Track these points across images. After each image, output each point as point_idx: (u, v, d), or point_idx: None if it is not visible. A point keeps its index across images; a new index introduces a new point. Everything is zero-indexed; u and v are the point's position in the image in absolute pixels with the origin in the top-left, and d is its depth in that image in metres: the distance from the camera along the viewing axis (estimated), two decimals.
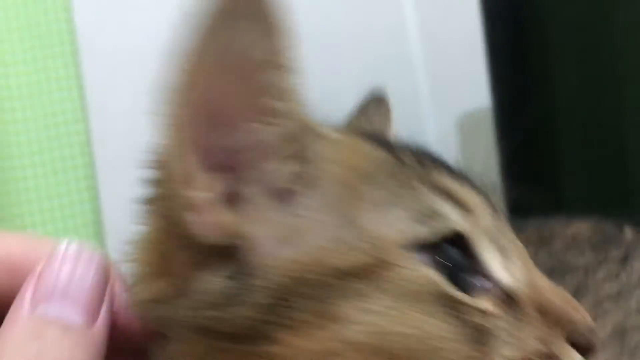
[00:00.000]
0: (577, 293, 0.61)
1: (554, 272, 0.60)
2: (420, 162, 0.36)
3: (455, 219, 0.34)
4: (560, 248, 0.64)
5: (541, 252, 0.64)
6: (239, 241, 0.32)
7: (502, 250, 0.35)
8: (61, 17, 1.11)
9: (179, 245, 0.33)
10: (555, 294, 0.36)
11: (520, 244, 0.37)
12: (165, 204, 0.34)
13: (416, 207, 0.34)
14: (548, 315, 0.35)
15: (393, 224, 0.33)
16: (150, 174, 0.35)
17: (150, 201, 0.36)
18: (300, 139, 0.34)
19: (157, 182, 0.35)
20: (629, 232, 0.70)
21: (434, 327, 0.32)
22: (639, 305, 0.63)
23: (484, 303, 0.33)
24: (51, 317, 0.33)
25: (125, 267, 0.37)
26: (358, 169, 0.34)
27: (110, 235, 1.06)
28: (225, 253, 0.32)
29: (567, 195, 1.18)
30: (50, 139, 1.10)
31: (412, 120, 1.37)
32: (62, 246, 0.35)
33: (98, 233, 1.09)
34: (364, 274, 0.32)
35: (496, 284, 0.34)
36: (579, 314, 0.35)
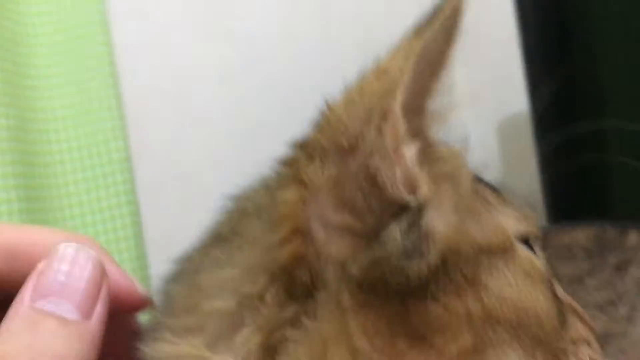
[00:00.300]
0: None
1: None
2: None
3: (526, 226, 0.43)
4: (552, 254, 0.63)
5: None
6: (421, 200, 0.37)
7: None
8: (100, 39, 1.17)
9: (369, 197, 0.37)
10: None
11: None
12: (354, 154, 0.37)
13: (515, 210, 0.43)
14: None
15: (507, 219, 0.41)
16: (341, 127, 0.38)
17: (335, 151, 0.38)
18: None
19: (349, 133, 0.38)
20: (633, 238, 0.68)
21: (543, 303, 0.40)
22: (631, 312, 0.62)
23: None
24: (48, 310, 0.36)
25: None
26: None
27: (152, 249, 1.11)
28: (403, 210, 0.37)
29: (610, 199, 1.14)
30: (91, 156, 1.16)
31: (453, 126, 1.37)
32: (62, 247, 0.38)
33: (139, 246, 1.14)
34: (499, 251, 0.39)
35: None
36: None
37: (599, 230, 0.70)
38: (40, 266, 0.38)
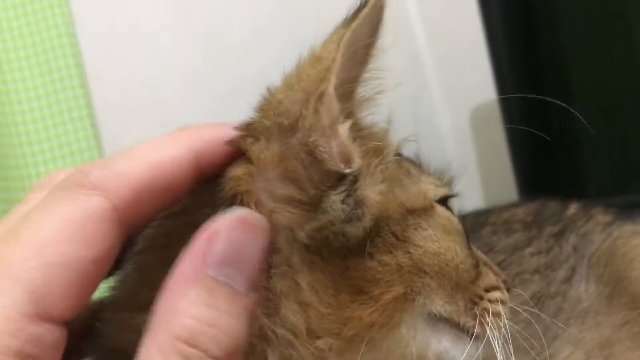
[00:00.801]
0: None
1: None
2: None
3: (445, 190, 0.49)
4: (487, 232, 0.66)
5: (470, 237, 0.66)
6: (357, 172, 0.42)
7: None
8: (69, 51, 1.19)
9: (310, 171, 0.42)
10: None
11: None
12: (294, 132, 0.42)
13: (433, 178, 0.49)
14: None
15: (427, 185, 0.47)
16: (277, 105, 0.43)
17: (270, 131, 0.42)
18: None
19: (282, 111, 0.42)
20: (572, 209, 0.70)
21: (461, 254, 0.45)
22: (567, 274, 0.64)
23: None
24: (222, 280, 0.35)
25: None
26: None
27: None
28: (339, 181, 0.42)
29: (579, 176, 1.16)
30: (66, 166, 1.18)
31: (428, 117, 1.40)
32: (234, 212, 0.38)
33: None
34: (421, 213, 0.45)
35: None
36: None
37: (539, 205, 0.73)
38: (211, 229, 0.36)
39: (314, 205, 0.41)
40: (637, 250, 0.67)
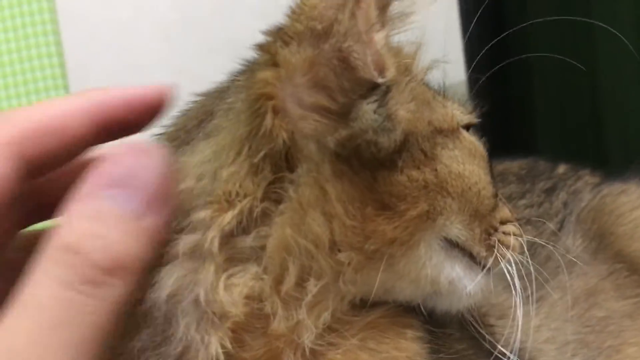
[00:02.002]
0: None
1: None
2: None
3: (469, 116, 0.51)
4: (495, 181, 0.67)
5: None
6: (390, 83, 0.43)
7: None
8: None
9: (342, 78, 0.41)
10: None
11: None
12: (328, 38, 0.41)
13: (459, 105, 0.51)
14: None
15: (454, 110, 0.48)
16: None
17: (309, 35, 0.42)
18: None
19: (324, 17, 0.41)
20: (562, 168, 0.73)
21: (484, 180, 0.47)
22: (556, 227, 0.66)
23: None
24: (114, 201, 0.34)
25: None
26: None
27: None
28: (371, 91, 0.42)
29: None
30: None
31: None
32: (130, 141, 0.38)
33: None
34: (449, 133, 0.46)
35: None
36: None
37: (532, 161, 0.75)
38: (103, 155, 0.36)
39: (342, 115, 0.41)
40: (624, 207, 0.70)
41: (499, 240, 0.47)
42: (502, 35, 0.64)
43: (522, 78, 1.27)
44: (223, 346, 0.41)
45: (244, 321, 0.41)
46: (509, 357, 0.50)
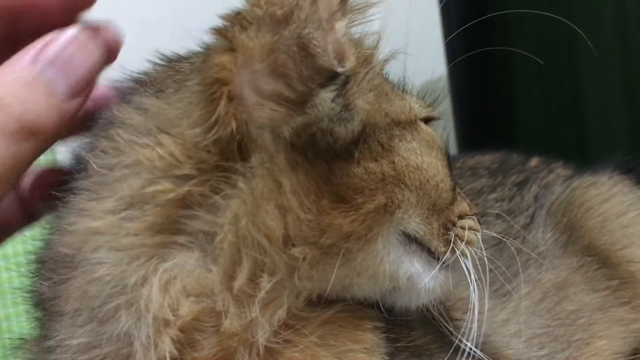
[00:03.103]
0: None
1: None
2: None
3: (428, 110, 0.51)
4: (456, 174, 0.67)
5: None
6: (350, 72, 0.42)
7: None
8: None
9: (300, 66, 0.41)
10: None
11: None
12: (288, 24, 0.41)
13: (417, 98, 0.51)
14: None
15: (413, 103, 0.48)
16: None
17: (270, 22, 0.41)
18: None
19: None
20: (534, 161, 0.73)
21: (441, 173, 0.46)
22: (526, 221, 0.65)
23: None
24: (44, 78, 0.38)
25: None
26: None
27: None
28: (330, 80, 0.42)
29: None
30: None
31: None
32: (76, 27, 0.41)
33: None
34: (406, 125, 0.45)
35: None
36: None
37: (504, 155, 0.74)
38: (49, 36, 0.40)
39: (300, 104, 0.40)
40: (594, 200, 0.69)
41: (456, 235, 0.46)
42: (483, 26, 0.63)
43: (503, 72, 1.27)
44: (171, 349, 0.40)
45: (193, 321, 0.40)
46: (472, 350, 0.49)
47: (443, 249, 0.45)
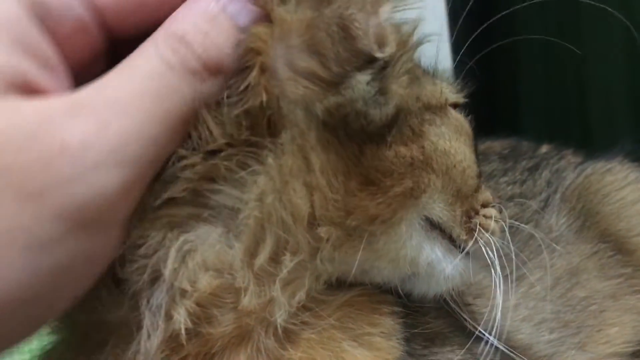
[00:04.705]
0: None
1: None
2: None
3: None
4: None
5: None
6: (389, 58, 0.41)
7: None
8: None
9: (338, 47, 0.39)
10: None
11: None
12: (330, 1, 0.39)
13: (448, 83, 0.50)
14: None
15: (444, 88, 0.47)
16: None
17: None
18: None
19: None
20: (544, 148, 0.72)
21: (468, 159, 0.46)
22: (540, 205, 0.65)
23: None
24: (227, 13, 0.38)
25: None
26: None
27: None
28: (368, 64, 0.40)
29: None
30: None
31: None
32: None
33: None
34: (437, 110, 0.45)
35: None
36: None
37: (514, 141, 0.74)
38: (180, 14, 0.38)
39: (335, 84, 0.39)
40: (611, 187, 0.68)
41: (480, 224, 0.46)
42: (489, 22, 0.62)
43: (508, 60, 1.26)
44: (187, 321, 0.39)
45: (211, 296, 0.39)
46: (486, 335, 0.49)
47: (465, 237, 0.45)
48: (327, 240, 0.40)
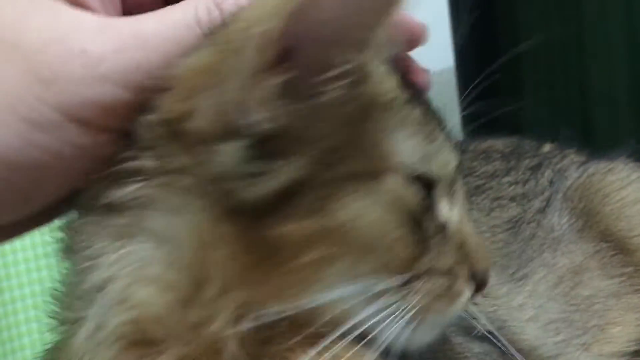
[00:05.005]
0: (475, 190, 0.63)
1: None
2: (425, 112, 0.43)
3: (436, 170, 0.42)
4: (467, 158, 0.66)
5: None
6: (272, 125, 0.36)
7: (451, 195, 0.44)
8: None
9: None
10: (473, 238, 0.45)
11: (462, 194, 0.45)
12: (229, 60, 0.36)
13: (425, 149, 0.41)
14: (462, 250, 0.43)
15: (403, 150, 0.40)
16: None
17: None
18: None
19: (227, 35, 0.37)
20: (547, 147, 0.72)
21: (396, 233, 0.39)
22: (542, 205, 0.64)
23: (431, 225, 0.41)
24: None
25: None
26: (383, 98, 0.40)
27: None
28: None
29: None
30: None
31: None
32: None
33: None
34: (364, 177, 0.38)
35: (439, 216, 0.42)
36: (484, 258, 0.45)
37: (517, 140, 0.74)
38: None
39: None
40: (612, 187, 0.68)
41: (416, 291, 0.40)
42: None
43: (511, 66, 1.26)
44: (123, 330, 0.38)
45: (150, 311, 0.38)
46: (490, 335, 0.48)
47: (398, 303, 0.39)
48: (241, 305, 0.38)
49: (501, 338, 0.48)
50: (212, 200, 0.37)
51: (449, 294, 0.41)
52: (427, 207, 0.41)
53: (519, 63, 1.25)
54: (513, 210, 0.65)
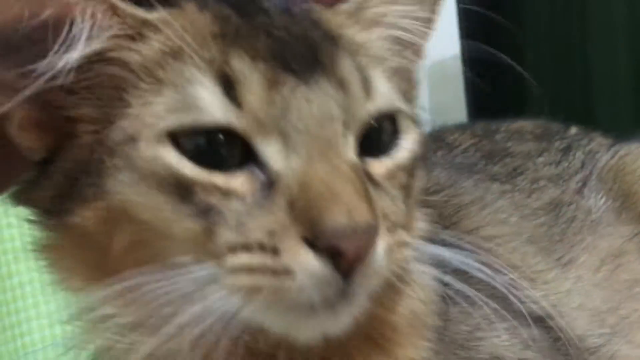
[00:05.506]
0: (514, 171, 0.62)
1: (493, 155, 0.61)
2: (238, 32, 0.38)
3: (219, 115, 0.35)
4: (502, 137, 0.66)
5: (484, 141, 0.67)
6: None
7: (286, 140, 0.35)
8: None
9: None
10: (325, 193, 0.34)
11: (326, 136, 0.36)
12: None
13: (179, 98, 0.36)
14: (296, 210, 0.34)
15: (153, 111, 0.36)
16: None
17: None
18: None
19: None
20: (573, 129, 0.71)
21: (164, 207, 0.35)
22: (578, 186, 0.63)
23: (232, 182, 0.35)
24: None
25: None
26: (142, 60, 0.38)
27: None
28: None
29: None
30: None
31: None
32: None
33: None
34: (120, 151, 0.36)
35: (262, 168, 0.35)
36: (338, 216, 0.33)
37: (545, 122, 0.72)
38: None
39: None
40: None
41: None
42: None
43: (514, 47, 1.25)
44: None
45: None
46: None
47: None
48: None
49: (560, 321, 0.47)
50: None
51: (273, 272, 0.34)
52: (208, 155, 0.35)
53: (522, 48, 1.24)
54: (552, 191, 0.63)
